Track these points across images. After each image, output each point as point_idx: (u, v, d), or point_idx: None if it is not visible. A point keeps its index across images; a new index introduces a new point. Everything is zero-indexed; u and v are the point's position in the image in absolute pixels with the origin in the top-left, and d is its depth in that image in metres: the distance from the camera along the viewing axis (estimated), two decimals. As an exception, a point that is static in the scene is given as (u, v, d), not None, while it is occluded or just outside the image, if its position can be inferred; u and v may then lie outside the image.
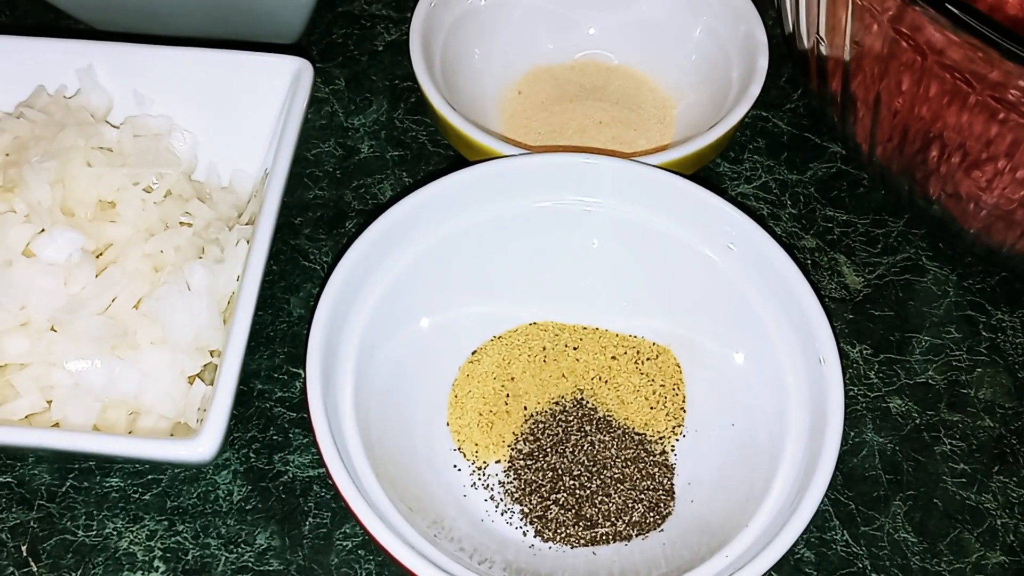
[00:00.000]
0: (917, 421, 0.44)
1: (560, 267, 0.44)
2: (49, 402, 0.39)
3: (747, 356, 0.42)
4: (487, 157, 0.44)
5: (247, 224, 0.43)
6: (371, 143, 0.52)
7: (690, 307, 0.43)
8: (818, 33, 0.43)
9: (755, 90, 0.46)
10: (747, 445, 0.40)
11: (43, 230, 0.40)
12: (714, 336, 0.43)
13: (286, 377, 0.45)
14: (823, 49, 0.43)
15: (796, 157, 0.52)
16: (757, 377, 0.41)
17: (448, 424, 0.42)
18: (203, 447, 0.35)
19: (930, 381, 0.45)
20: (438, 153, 0.52)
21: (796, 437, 0.38)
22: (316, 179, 0.51)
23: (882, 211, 0.51)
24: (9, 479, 0.42)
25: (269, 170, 0.42)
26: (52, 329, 0.39)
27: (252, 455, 0.43)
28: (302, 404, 0.44)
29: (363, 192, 0.51)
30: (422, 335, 0.43)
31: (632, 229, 0.43)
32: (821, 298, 0.39)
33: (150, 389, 0.39)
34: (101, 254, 0.41)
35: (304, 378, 0.45)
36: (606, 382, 0.43)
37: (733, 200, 0.41)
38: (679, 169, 0.44)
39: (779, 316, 0.40)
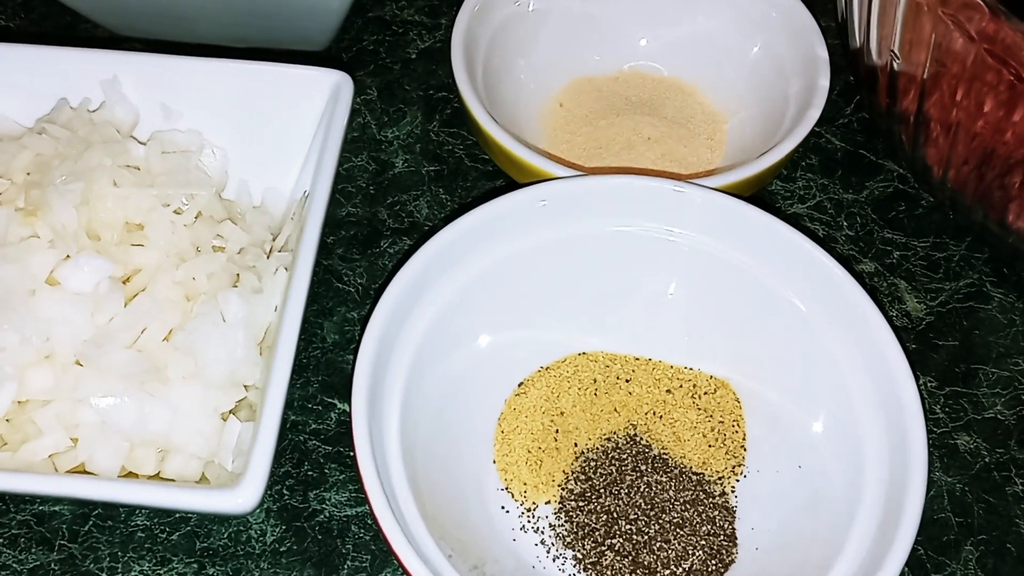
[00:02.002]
0: (987, 459, 0.42)
1: (625, 295, 0.42)
2: (74, 440, 0.36)
3: (823, 416, 0.39)
4: (536, 178, 0.42)
5: (282, 249, 0.40)
6: (405, 157, 0.50)
7: (761, 354, 0.41)
8: (892, 49, 0.40)
9: (816, 111, 0.44)
10: (816, 490, 0.37)
11: (68, 256, 0.37)
12: (783, 389, 0.40)
13: (320, 408, 0.42)
14: (896, 66, 0.41)
15: (851, 175, 0.50)
16: (830, 437, 0.38)
17: (495, 462, 0.40)
18: (243, 497, 0.32)
19: (999, 416, 0.43)
20: (475, 168, 0.49)
21: (874, 490, 0.35)
22: (349, 195, 0.48)
23: (943, 233, 0.48)
24: (28, 516, 0.39)
25: (309, 192, 0.39)
26: (78, 363, 0.36)
27: (286, 492, 0.40)
28: (338, 437, 0.42)
29: (398, 209, 0.48)
30: (467, 365, 0.41)
31: (716, 264, 0.40)
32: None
33: (181, 427, 0.36)
34: (128, 279, 0.38)
35: (339, 409, 0.42)
36: (660, 417, 0.41)
37: (831, 250, 0.39)
38: (739, 190, 0.42)
39: (864, 380, 0.37)
